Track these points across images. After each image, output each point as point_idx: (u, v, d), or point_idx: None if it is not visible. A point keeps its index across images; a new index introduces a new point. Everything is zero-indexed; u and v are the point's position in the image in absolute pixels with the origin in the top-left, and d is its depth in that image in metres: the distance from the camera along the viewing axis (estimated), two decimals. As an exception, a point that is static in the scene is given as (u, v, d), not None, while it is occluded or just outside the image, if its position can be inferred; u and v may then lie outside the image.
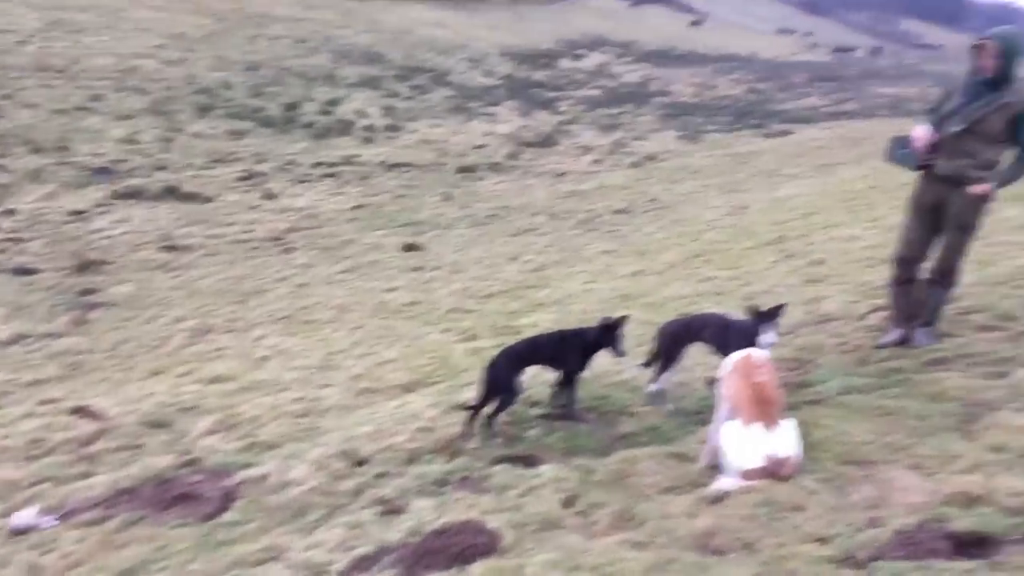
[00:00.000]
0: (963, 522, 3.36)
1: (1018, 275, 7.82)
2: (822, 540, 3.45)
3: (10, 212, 20.77)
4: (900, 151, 6.32)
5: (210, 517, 5.50)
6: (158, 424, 8.47)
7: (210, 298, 15.99)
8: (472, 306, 13.39)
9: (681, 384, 6.37)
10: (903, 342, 6.32)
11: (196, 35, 41.18)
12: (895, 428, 4.58)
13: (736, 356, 4.56)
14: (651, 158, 32.97)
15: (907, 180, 6.64)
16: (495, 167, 30.13)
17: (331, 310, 14.46)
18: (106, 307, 15.72)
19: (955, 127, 5.92)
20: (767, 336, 5.13)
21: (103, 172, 24.34)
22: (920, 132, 6.06)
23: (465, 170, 29.09)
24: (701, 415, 5.50)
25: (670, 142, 36.89)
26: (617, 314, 5.88)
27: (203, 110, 31.27)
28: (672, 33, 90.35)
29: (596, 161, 32.24)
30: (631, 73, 58.18)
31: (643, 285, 12.93)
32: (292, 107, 34.02)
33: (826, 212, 17.23)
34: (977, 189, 5.93)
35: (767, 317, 5.18)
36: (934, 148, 6.05)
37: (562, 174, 29.86)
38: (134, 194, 22.81)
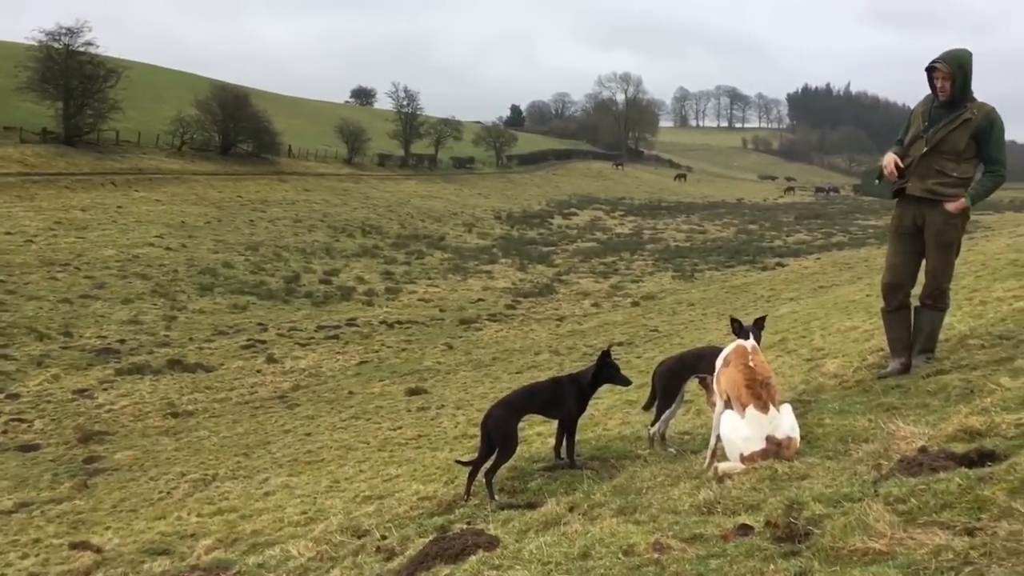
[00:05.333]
0: (967, 447, 3.25)
1: (1010, 316, 7.81)
2: (829, 488, 3.33)
3: (14, 396, 20.79)
4: (874, 182, 6.47)
5: (208, 597, 5.28)
6: (159, 552, 8.25)
7: (214, 454, 15.81)
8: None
9: (685, 433, 6.25)
10: (904, 371, 6.22)
11: (197, 223, 42.53)
12: (896, 417, 4.48)
13: (727, 350, 4.51)
14: (649, 297, 33.38)
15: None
16: (495, 317, 30.44)
17: (337, 451, 14.27)
18: (108, 472, 15.52)
19: (921, 150, 6.10)
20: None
21: (107, 352, 24.60)
22: (888, 159, 6.23)
23: (466, 322, 29.36)
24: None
25: (666, 282, 37.44)
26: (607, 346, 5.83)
27: (205, 289, 31.90)
28: (659, 187, 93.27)
29: (595, 304, 32.60)
30: (622, 225, 59.69)
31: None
32: (292, 279, 34.73)
33: (825, 317, 17.26)
34: (952, 206, 6.03)
35: (754, 326, 5.14)
36: (903, 173, 6.19)
37: (562, 318, 30.13)
38: (138, 370, 22.92)
